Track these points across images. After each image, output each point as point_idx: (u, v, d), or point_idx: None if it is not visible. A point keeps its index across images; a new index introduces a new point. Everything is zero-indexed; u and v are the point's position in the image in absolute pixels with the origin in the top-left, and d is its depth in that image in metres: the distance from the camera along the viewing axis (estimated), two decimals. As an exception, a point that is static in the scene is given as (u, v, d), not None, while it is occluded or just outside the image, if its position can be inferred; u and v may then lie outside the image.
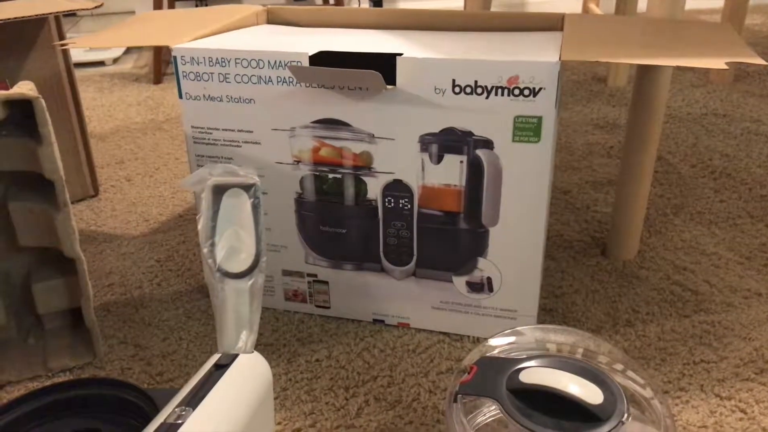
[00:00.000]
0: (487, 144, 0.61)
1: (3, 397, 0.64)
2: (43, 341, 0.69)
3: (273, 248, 0.73)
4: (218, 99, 0.67)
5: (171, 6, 1.75)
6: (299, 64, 0.62)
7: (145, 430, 0.42)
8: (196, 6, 2.38)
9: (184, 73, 0.67)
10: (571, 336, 0.49)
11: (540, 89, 0.58)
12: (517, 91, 0.58)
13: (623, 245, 0.83)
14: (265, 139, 0.67)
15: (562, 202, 1.00)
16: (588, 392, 0.42)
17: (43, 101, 0.58)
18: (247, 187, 0.53)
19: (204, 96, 0.67)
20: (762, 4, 2.39)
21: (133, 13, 2.50)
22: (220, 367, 0.48)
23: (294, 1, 2.45)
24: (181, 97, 0.68)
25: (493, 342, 0.50)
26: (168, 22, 0.80)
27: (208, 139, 0.69)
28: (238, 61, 0.64)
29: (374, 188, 0.66)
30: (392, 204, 0.66)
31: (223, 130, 0.68)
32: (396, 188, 0.66)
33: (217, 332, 0.51)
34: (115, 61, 1.93)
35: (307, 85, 0.63)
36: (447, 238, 0.66)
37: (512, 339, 0.50)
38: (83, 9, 0.88)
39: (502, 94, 0.59)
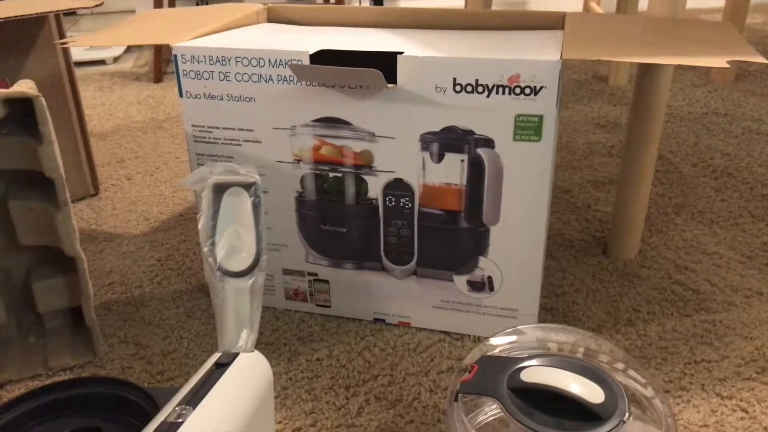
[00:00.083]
0: (488, 143, 0.61)
1: (3, 395, 0.64)
2: (44, 340, 0.69)
3: (273, 247, 0.73)
4: (219, 97, 0.67)
5: (171, 4, 1.75)
6: (300, 62, 0.62)
7: (145, 428, 0.42)
8: (197, 4, 2.38)
9: (185, 72, 0.66)
10: (572, 335, 0.49)
11: (541, 88, 0.58)
12: (518, 90, 0.58)
13: (624, 244, 0.83)
14: (266, 138, 0.67)
15: (563, 201, 0.99)
16: (589, 391, 0.42)
17: (43, 100, 0.58)
18: (247, 186, 0.53)
19: (204, 94, 0.67)
20: (763, 4, 2.38)
21: (133, 11, 2.50)
22: (221, 366, 0.48)
23: (294, 0, 2.44)
24: (181, 95, 0.68)
25: (494, 341, 0.50)
26: (168, 21, 0.80)
27: (209, 138, 0.69)
28: (238, 59, 0.64)
29: (375, 187, 0.66)
30: (393, 203, 0.66)
31: (223, 128, 0.68)
32: (397, 187, 0.65)
33: (217, 331, 0.51)
34: (116, 59, 1.93)
35: (308, 83, 0.63)
36: (448, 237, 0.66)
37: (513, 338, 0.50)
38: (83, 8, 0.88)
39: (503, 93, 0.59)
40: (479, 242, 0.66)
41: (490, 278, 0.67)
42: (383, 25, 0.80)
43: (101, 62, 1.90)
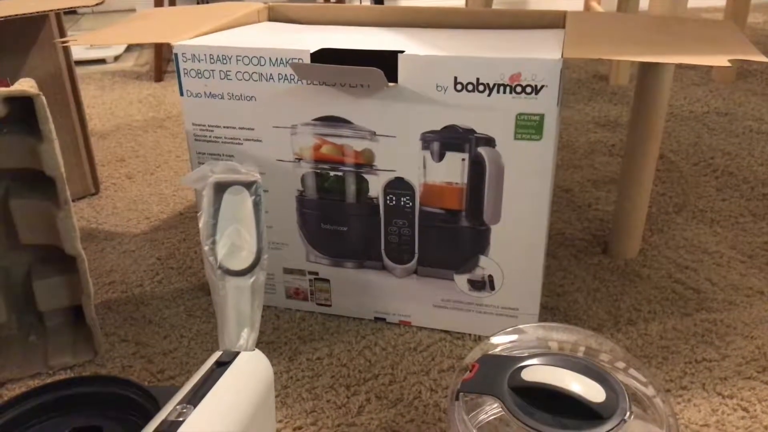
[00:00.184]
0: (489, 142, 0.61)
1: (4, 394, 0.64)
2: (44, 339, 0.69)
3: (274, 246, 0.73)
4: (219, 96, 0.66)
5: (172, 3, 1.75)
6: (301, 61, 0.62)
7: (146, 427, 0.42)
8: (197, 3, 2.38)
9: (185, 71, 0.66)
10: (573, 334, 0.49)
11: (542, 87, 0.58)
12: (519, 89, 0.58)
13: (625, 244, 0.83)
14: (267, 137, 0.67)
15: (564, 200, 0.99)
16: (590, 390, 0.42)
17: (44, 98, 0.58)
18: (248, 185, 0.53)
19: (205, 93, 0.67)
20: (764, 3, 2.38)
21: (133, 10, 2.50)
22: (222, 365, 0.48)
23: (295, -1, 2.44)
24: (182, 94, 0.68)
25: (494, 340, 0.50)
26: (169, 20, 0.80)
27: (209, 137, 0.69)
28: (239, 58, 0.64)
29: (375, 186, 0.66)
30: (394, 202, 0.66)
31: (224, 127, 0.68)
32: (397, 186, 0.65)
33: (218, 330, 0.51)
34: (116, 58, 1.93)
35: (309, 82, 0.63)
36: (448, 236, 0.66)
37: (514, 337, 0.50)
38: (84, 6, 0.88)
39: (504, 92, 0.59)
40: (480, 241, 0.66)
41: (490, 277, 0.67)
42: (384, 24, 0.79)
43: (102, 61, 1.89)
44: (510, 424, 0.42)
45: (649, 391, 0.45)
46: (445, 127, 0.62)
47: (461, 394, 0.45)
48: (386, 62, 0.60)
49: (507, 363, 0.45)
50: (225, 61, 0.65)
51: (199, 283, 0.81)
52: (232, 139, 0.68)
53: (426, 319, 0.71)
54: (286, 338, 0.71)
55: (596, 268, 0.82)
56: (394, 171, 0.65)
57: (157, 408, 0.51)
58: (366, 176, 0.66)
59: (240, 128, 0.67)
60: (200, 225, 0.52)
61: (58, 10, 0.86)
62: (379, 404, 0.62)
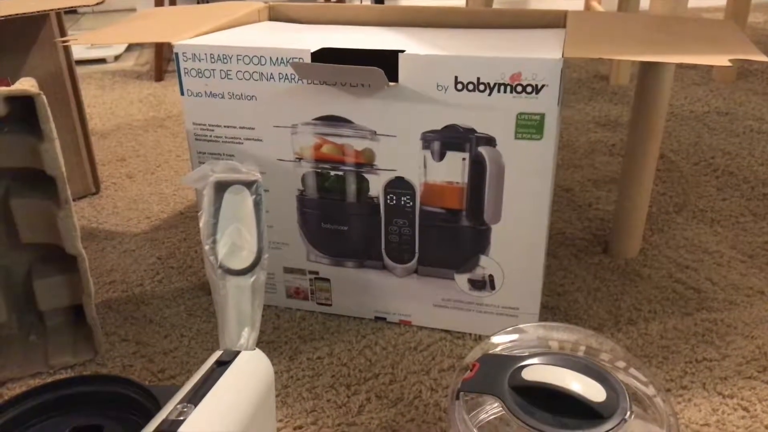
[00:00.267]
0: (490, 141, 0.61)
1: (4, 394, 0.64)
2: (45, 338, 0.69)
3: (275, 245, 0.73)
4: (220, 96, 0.66)
5: (172, 2, 1.75)
6: (301, 60, 0.62)
7: (146, 426, 0.42)
8: (198, 3, 2.38)
9: (186, 70, 0.66)
10: (573, 333, 0.49)
11: (543, 86, 0.58)
12: (519, 88, 0.58)
13: (625, 243, 0.83)
14: (267, 136, 0.67)
15: (565, 199, 0.99)
16: (590, 390, 0.42)
17: (44, 98, 0.58)
18: (249, 184, 0.53)
19: (206, 93, 0.67)
20: (765, 3, 2.38)
21: (134, 10, 2.50)
22: (222, 364, 0.48)
23: (295, -1, 2.44)
24: (182, 93, 0.68)
25: (495, 339, 0.50)
26: (169, 19, 0.80)
27: (210, 136, 0.69)
28: (239, 57, 0.64)
29: (376, 185, 0.66)
30: (394, 201, 0.66)
31: (224, 127, 0.68)
32: (398, 185, 0.65)
33: (218, 329, 0.51)
34: (117, 58, 1.93)
35: (309, 81, 0.63)
36: (449, 236, 0.66)
37: (514, 336, 0.50)
38: (84, 6, 0.88)
39: (505, 91, 0.59)
40: (480, 241, 0.66)
41: (491, 277, 0.67)
42: (384, 24, 0.79)
43: (102, 60, 1.89)
44: (510, 423, 0.42)
45: (650, 390, 0.45)
46: (446, 127, 0.62)
47: (462, 393, 0.45)
48: (387, 62, 0.60)
49: (507, 362, 0.45)
50: (225, 61, 0.65)
51: (200, 283, 0.81)
52: (232, 138, 0.68)
53: (426, 319, 0.71)
54: (287, 338, 0.71)
55: (597, 267, 0.82)
56: (394, 170, 0.65)
57: (158, 407, 0.51)
58: (366, 176, 0.66)
59: (240, 128, 0.67)
60: (201, 224, 0.52)
61: (58, 9, 0.86)
62: (379, 404, 0.62)
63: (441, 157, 0.63)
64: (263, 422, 0.49)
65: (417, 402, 0.62)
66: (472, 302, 0.69)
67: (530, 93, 0.58)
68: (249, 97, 0.66)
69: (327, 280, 0.73)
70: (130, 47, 2.04)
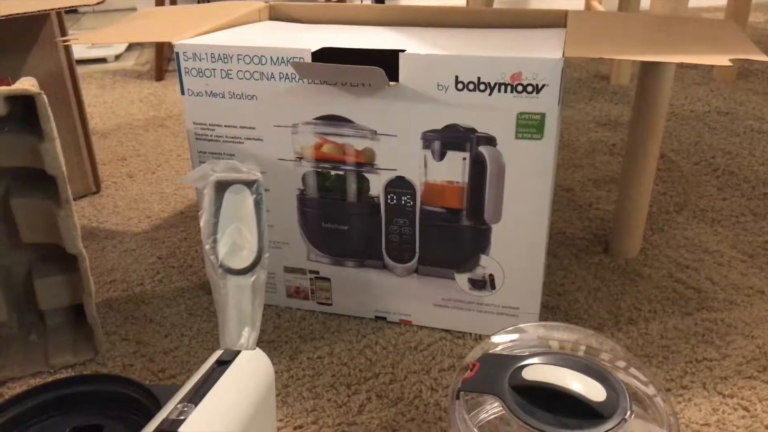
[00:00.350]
0: (490, 141, 0.61)
1: (5, 393, 0.64)
2: (45, 338, 0.69)
3: (275, 245, 0.73)
4: (220, 95, 0.66)
5: (173, 2, 1.75)
6: (302, 60, 0.62)
7: (147, 426, 0.42)
8: (198, 2, 2.38)
9: (186, 70, 0.66)
10: (573, 333, 0.49)
11: (543, 86, 0.58)
12: (520, 88, 0.58)
13: (626, 243, 0.83)
14: (268, 136, 0.67)
15: (565, 199, 0.99)
16: (591, 390, 0.42)
17: (45, 97, 0.58)
18: (249, 184, 0.53)
19: (206, 92, 0.67)
20: (765, 3, 2.38)
21: (134, 9, 2.50)
22: (222, 364, 0.48)
23: (296, -2, 2.44)
24: (183, 93, 0.68)
25: (495, 339, 0.50)
26: (170, 19, 0.80)
27: (211, 136, 0.69)
28: (240, 57, 0.64)
29: (376, 185, 0.66)
30: (394, 201, 0.66)
31: (225, 126, 0.68)
32: (398, 185, 0.65)
33: (219, 329, 0.51)
34: (117, 57, 1.93)
35: (310, 81, 0.63)
36: (449, 235, 0.66)
37: (515, 336, 0.50)
38: (85, 5, 0.88)
39: (506, 91, 0.59)
40: (481, 240, 0.66)
41: (491, 276, 0.67)
42: (385, 23, 0.79)
43: (103, 60, 1.90)
44: (510, 423, 0.42)
45: (650, 390, 0.45)
46: (446, 126, 0.62)
47: (462, 393, 0.45)
48: (387, 61, 0.60)
49: (508, 362, 0.45)
50: (226, 60, 0.65)
51: (200, 282, 0.81)
52: (233, 138, 0.68)
53: (427, 318, 0.71)
54: (287, 337, 0.71)
55: (597, 267, 0.82)
56: (395, 170, 0.65)
57: (158, 407, 0.51)
58: (367, 175, 0.66)
59: (241, 127, 0.67)
60: (201, 224, 0.52)
61: (59, 9, 0.86)
62: (379, 403, 0.62)
63: (441, 156, 0.63)
64: (263, 422, 0.49)
65: (417, 401, 0.62)
66: (472, 302, 0.69)
67: (531, 93, 0.58)
68: (249, 97, 0.66)
69: (327, 279, 0.73)
70: (131, 47, 2.04)
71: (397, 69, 0.60)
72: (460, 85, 0.59)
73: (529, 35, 0.69)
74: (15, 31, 0.90)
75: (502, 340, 0.49)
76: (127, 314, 0.76)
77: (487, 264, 0.67)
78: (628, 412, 0.41)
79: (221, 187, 0.52)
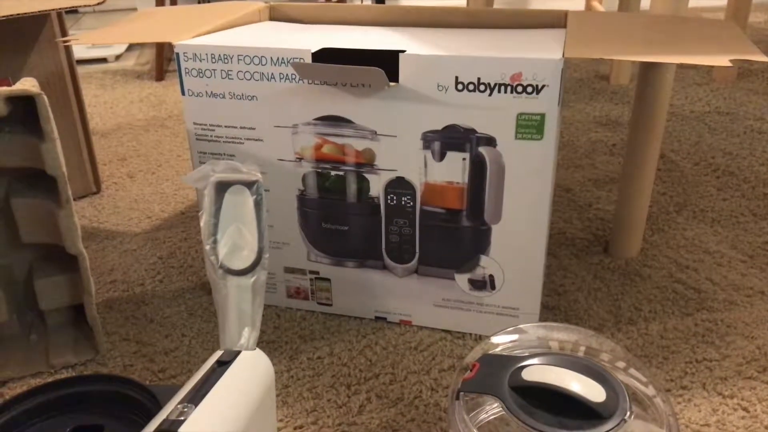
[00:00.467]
0: (490, 141, 0.61)
1: (5, 393, 0.64)
2: (45, 338, 0.69)
3: (275, 245, 0.73)
4: (221, 96, 0.67)
5: (173, 2, 1.75)
6: (302, 60, 0.62)
7: (147, 426, 0.42)
8: (199, 2, 2.38)
9: (187, 70, 0.66)
10: (573, 334, 0.49)
11: (543, 86, 0.58)
12: (520, 89, 0.58)
13: (626, 243, 0.83)
14: (268, 136, 0.67)
15: (565, 199, 0.99)
16: (590, 390, 0.42)
17: (45, 97, 0.58)
18: (249, 184, 0.53)
19: (206, 93, 0.67)
20: (765, 3, 2.38)
21: (135, 9, 2.50)
22: (223, 364, 0.48)
23: (296, -2, 2.44)
24: (183, 93, 0.68)
25: (495, 339, 0.50)
26: (170, 19, 0.80)
27: (211, 136, 0.69)
28: (240, 57, 0.64)
29: (376, 185, 0.66)
30: (394, 201, 0.66)
31: (225, 126, 0.68)
32: (398, 185, 0.65)
33: (219, 329, 0.51)
34: (118, 57, 1.93)
35: (310, 81, 0.63)
36: (449, 236, 0.66)
37: (515, 336, 0.50)
38: (85, 5, 0.88)
39: (505, 91, 0.59)
40: (481, 241, 0.66)
41: (491, 277, 0.67)
42: (385, 24, 0.79)
43: (103, 60, 1.90)
44: (510, 423, 0.42)
45: (650, 390, 0.45)
46: (446, 127, 0.62)
47: (462, 393, 0.45)
48: (387, 62, 0.60)
49: (507, 362, 0.45)
50: (226, 61, 0.65)
51: (200, 282, 0.81)
52: (233, 138, 0.68)
53: (427, 319, 0.72)
54: (287, 337, 0.71)
55: (597, 267, 0.82)
56: (395, 170, 0.65)
57: (159, 407, 0.51)
58: (367, 176, 0.66)
59: (241, 128, 0.67)
60: (201, 224, 0.52)
61: (59, 9, 0.86)
62: (379, 403, 0.62)
63: (441, 157, 0.63)
64: (264, 422, 0.49)
65: (417, 402, 0.62)
66: (472, 302, 0.69)
67: (530, 93, 0.58)
68: (250, 97, 0.66)
69: (327, 279, 0.73)
70: (131, 47, 2.04)
71: (397, 69, 0.60)
72: (460, 86, 0.59)
73: (529, 35, 0.69)
74: (15, 32, 0.90)
75: (502, 341, 0.50)
76: (127, 314, 0.76)
77: (487, 264, 0.67)
78: (628, 413, 0.41)
79: (221, 187, 0.52)
